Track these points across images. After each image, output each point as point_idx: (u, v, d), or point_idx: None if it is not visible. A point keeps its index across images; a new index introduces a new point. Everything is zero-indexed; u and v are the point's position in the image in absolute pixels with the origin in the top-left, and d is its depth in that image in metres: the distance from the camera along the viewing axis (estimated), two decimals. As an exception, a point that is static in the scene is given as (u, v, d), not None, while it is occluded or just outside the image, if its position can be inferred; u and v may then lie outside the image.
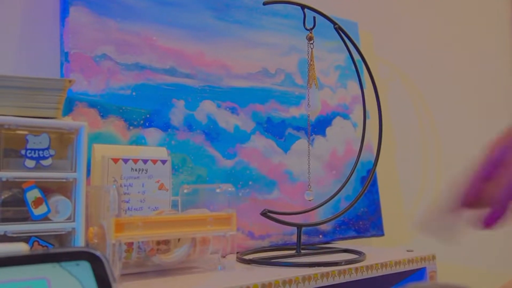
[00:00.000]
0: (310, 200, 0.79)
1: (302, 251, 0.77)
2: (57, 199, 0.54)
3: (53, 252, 0.35)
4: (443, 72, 1.34)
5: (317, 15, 0.79)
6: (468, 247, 1.29)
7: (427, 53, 1.32)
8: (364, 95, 0.87)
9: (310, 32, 0.78)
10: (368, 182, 0.81)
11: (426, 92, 1.30)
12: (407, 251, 0.79)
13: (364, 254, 0.73)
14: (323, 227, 0.93)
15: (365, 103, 0.87)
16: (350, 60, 0.86)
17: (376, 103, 0.83)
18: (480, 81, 1.41)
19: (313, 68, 0.78)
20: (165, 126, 0.80)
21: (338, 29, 0.80)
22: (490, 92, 1.43)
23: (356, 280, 0.67)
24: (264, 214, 0.74)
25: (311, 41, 0.78)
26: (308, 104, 0.77)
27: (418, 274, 0.76)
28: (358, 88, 0.89)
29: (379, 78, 1.19)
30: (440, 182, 1.28)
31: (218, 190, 0.66)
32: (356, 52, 0.82)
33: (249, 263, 0.69)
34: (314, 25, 0.79)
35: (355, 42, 0.82)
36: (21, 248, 0.35)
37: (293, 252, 0.77)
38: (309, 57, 0.78)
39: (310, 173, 0.80)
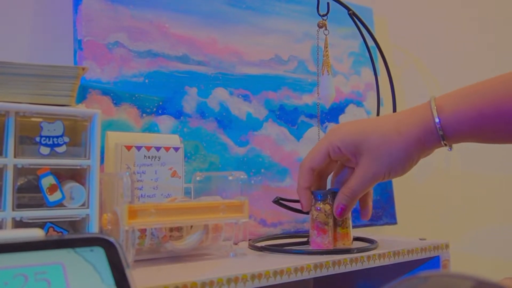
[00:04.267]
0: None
1: (314, 238, 0.77)
2: (71, 186, 0.55)
3: (68, 238, 0.36)
4: (459, 60, 1.31)
5: (331, 1, 0.78)
6: (482, 236, 1.28)
7: (443, 40, 1.29)
8: (378, 82, 0.86)
9: (322, 19, 0.77)
10: (381, 170, 0.80)
11: (442, 80, 1.28)
12: (420, 239, 0.78)
13: (376, 242, 0.73)
14: (336, 215, 0.93)
15: (379, 90, 0.86)
16: (364, 47, 0.85)
17: (390, 90, 0.82)
18: (498, 69, 1.38)
19: (328, 55, 0.77)
20: (178, 114, 0.80)
21: (352, 15, 0.79)
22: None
23: (368, 268, 0.67)
24: (276, 201, 0.74)
25: (322, 28, 0.77)
26: (318, 93, 0.76)
27: (431, 262, 0.76)
28: (372, 75, 0.88)
29: (394, 65, 1.17)
30: (454, 169, 1.26)
31: (230, 178, 0.66)
32: (371, 38, 0.81)
33: (261, 250, 0.69)
34: (328, 11, 0.78)
35: (370, 28, 0.80)
36: (37, 233, 0.35)
37: (305, 239, 0.77)
38: (319, 44, 0.77)
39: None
